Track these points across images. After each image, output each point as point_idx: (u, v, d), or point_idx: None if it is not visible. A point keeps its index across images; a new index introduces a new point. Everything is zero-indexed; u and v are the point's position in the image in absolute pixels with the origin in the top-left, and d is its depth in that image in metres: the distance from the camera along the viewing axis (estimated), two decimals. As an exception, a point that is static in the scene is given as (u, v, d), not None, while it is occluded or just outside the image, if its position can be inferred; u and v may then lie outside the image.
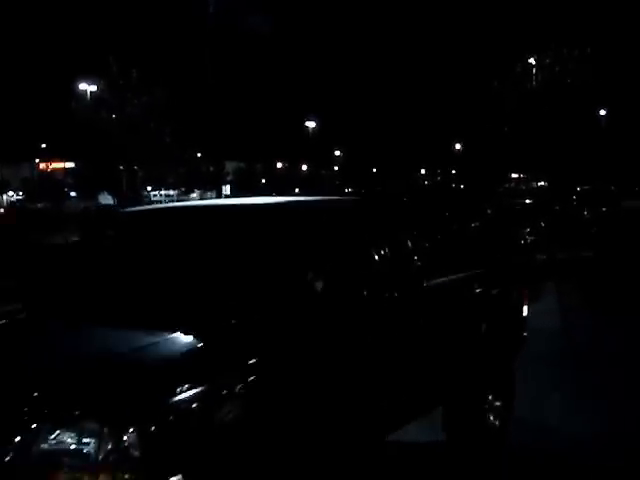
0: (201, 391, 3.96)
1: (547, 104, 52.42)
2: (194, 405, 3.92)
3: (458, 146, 68.13)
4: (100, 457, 3.61)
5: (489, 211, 23.02)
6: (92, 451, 3.62)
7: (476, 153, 63.69)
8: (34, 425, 3.67)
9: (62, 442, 3.64)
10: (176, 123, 48.58)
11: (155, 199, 76.65)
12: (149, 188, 74.08)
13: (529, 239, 20.39)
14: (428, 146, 62.75)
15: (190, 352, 4.22)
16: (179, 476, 3.79)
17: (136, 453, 3.64)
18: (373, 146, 64.81)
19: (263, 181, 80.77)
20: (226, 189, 74.48)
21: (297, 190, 75.67)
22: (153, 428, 3.71)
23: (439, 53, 57.13)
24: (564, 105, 52.39)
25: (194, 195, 75.29)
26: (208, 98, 51.07)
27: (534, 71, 55.58)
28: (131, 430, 3.63)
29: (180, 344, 4.30)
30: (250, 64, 52.85)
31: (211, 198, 63.46)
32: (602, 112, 59.57)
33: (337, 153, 71.24)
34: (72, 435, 3.65)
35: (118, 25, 46.52)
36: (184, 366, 4.09)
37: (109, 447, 3.61)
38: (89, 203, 61.64)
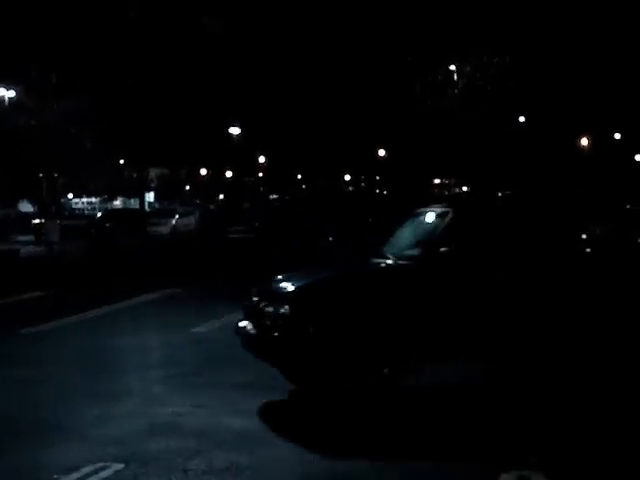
0: None
1: (468, 110, 53.13)
2: None
3: (382, 152, 68.61)
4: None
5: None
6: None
7: (399, 159, 64.23)
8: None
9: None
10: (98, 129, 47.86)
11: (77, 207, 75.42)
12: (70, 195, 72.94)
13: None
14: (352, 152, 63.11)
15: None
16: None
17: None
18: (297, 152, 64.96)
19: (187, 188, 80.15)
20: (149, 196, 73.59)
21: (221, 197, 75.23)
22: None
23: (362, 58, 57.36)
24: (485, 111, 53.15)
25: (117, 203, 74.22)
26: (130, 103, 50.62)
27: (455, 78, 56.32)
28: None
29: None
30: (173, 69, 52.42)
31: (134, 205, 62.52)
32: (521, 119, 60.63)
33: (262, 160, 71.19)
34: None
35: (38, 28, 45.63)
36: None
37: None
38: (10, 210, 60.43)
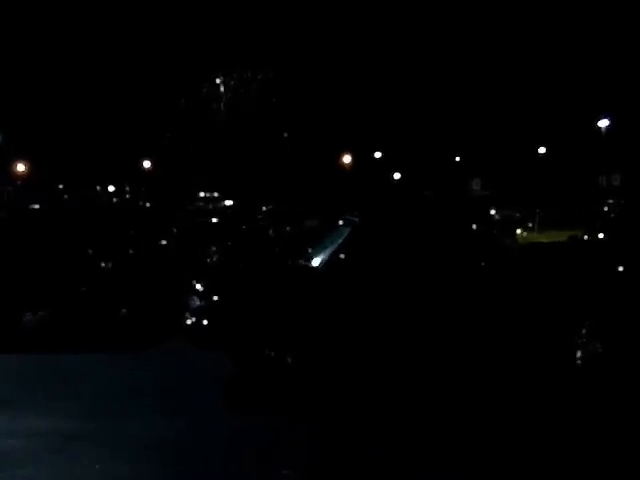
0: None
1: (233, 124, 53.57)
2: None
3: (147, 164, 67.90)
4: None
5: (175, 230, 23.08)
6: None
7: (164, 171, 63.80)
8: None
9: None
10: None
11: None
12: None
13: (215, 258, 20.63)
14: (116, 163, 62.09)
15: None
16: None
17: None
18: (60, 161, 63.17)
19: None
20: None
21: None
22: None
23: (130, 67, 56.53)
24: (250, 126, 53.82)
25: None
26: None
27: (222, 91, 56.66)
28: None
29: None
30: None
31: None
32: (285, 134, 61.85)
33: (21, 168, 68.46)
34: None
35: None
36: None
37: None
38: None
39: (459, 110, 60.38)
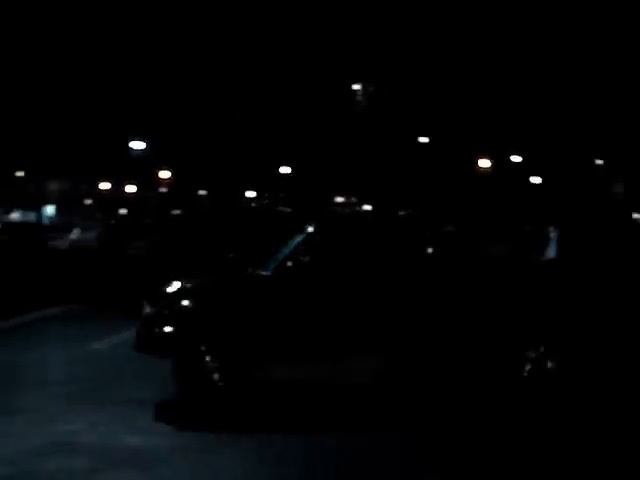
0: None
1: (369, 130, 53.84)
2: None
3: (286, 169, 68.93)
4: None
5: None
6: None
7: (303, 177, 64.61)
8: None
9: None
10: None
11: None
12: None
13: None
14: (255, 169, 63.22)
15: None
16: None
17: None
18: (201, 168, 64.69)
19: (88, 202, 78.91)
20: (49, 209, 72.15)
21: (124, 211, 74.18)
22: None
23: (269, 73, 57.55)
24: (385, 131, 53.96)
25: (15, 215, 72.47)
26: (31, 115, 49.63)
27: (359, 97, 57.04)
28: None
29: None
30: (74, 80, 51.68)
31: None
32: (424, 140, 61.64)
33: (165, 175, 70.47)
34: None
35: None
36: None
37: None
38: None
39: (600, 112, 59.04)
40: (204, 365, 9.33)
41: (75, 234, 47.77)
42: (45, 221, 62.66)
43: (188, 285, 10.22)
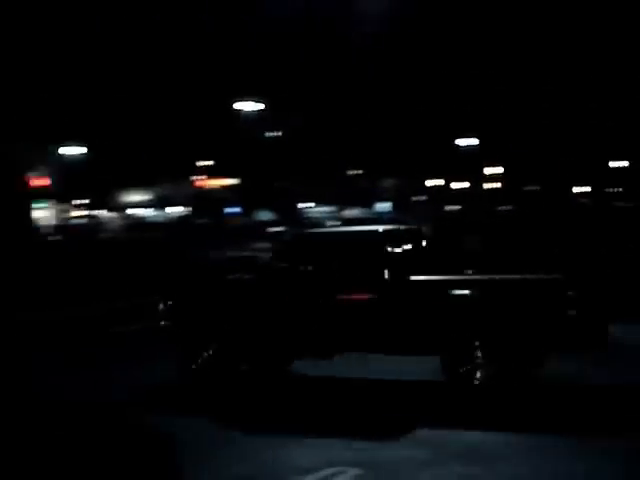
0: None
1: None
2: None
3: (620, 163, 66.46)
4: None
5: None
6: None
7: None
8: None
9: None
10: (335, 141, 48.95)
11: (311, 215, 77.03)
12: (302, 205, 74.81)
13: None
14: (586, 163, 61.63)
15: None
16: None
17: None
18: (531, 163, 63.93)
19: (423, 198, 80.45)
20: (382, 205, 74.32)
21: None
22: None
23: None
24: None
25: (354, 212, 75.45)
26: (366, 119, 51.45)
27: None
28: None
29: None
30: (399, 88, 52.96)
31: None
32: None
33: (492, 170, 69.93)
34: None
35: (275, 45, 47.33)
36: None
37: None
38: (248, 218, 62.49)
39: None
40: None
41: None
42: (385, 216, 64.16)
43: None
